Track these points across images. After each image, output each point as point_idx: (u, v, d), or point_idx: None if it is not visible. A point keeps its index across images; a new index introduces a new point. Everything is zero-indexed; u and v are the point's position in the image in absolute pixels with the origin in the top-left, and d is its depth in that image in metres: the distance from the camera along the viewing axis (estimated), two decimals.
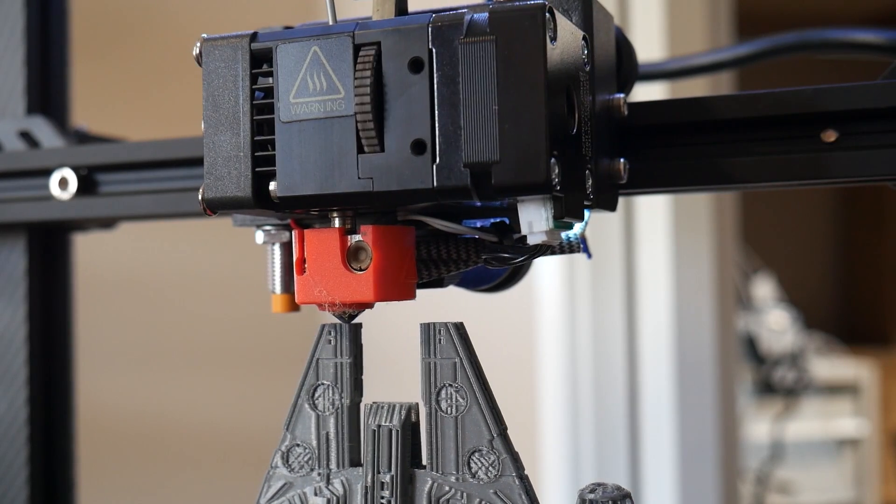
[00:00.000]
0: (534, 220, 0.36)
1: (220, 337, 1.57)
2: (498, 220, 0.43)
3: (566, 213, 0.37)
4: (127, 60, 1.51)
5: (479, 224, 0.43)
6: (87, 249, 0.85)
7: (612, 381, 1.14)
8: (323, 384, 0.42)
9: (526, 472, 0.40)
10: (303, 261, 0.40)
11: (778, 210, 3.43)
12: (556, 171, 0.35)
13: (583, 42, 0.40)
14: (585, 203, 0.40)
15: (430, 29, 0.36)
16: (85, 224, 0.67)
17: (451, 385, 0.40)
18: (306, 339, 0.43)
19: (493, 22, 0.35)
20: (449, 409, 0.40)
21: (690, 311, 1.12)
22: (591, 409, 1.14)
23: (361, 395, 0.43)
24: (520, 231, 0.39)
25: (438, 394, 0.40)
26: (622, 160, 0.44)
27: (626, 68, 0.47)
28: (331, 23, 0.39)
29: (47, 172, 0.61)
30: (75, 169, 0.60)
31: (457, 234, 0.42)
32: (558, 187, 0.35)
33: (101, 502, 1.41)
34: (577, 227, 0.42)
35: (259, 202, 0.39)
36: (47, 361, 0.68)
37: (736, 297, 1.37)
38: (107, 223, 0.66)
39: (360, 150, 0.37)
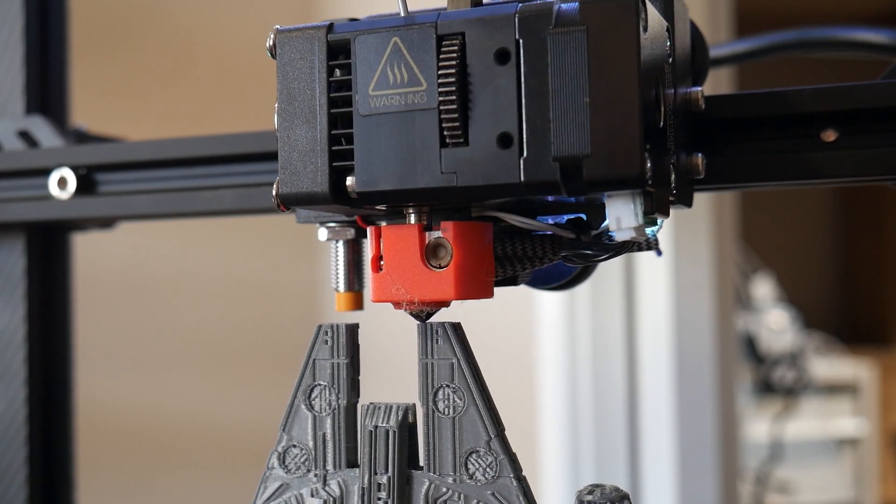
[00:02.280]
0: (622, 215, 0.35)
1: (219, 337, 1.57)
2: (574, 216, 0.41)
3: (656, 208, 0.36)
4: (127, 60, 1.51)
5: (550, 220, 0.41)
6: (86, 249, 0.85)
7: (612, 380, 1.14)
8: (319, 385, 0.42)
9: (524, 473, 0.39)
10: (379, 258, 0.39)
11: (778, 210, 3.42)
12: (649, 164, 0.34)
13: (666, 33, 0.39)
14: (670, 198, 0.39)
15: (517, 19, 0.35)
16: (84, 224, 0.67)
17: (448, 386, 0.40)
18: (306, 339, 0.43)
19: (584, 12, 0.34)
20: (446, 409, 0.40)
21: (690, 311, 1.12)
22: (591, 408, 1.14)
23: (358, 396, 0.42)
24: (597, 227, 0.38)
25: (436, 394, 0.40)
26: (699, 155, 0.43)
27: (700, 61, 0.46)
28: (402, 14, 0.38)
29: (46, 172, 0.61)
30: (74, 168, 0.60)
31: (532, 231, 0.41)
32: (650, 181, 0.34)
33: (100, 502, 1.41)
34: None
35: (336, 198, 0.37)
36: (46, 361, 0.68)
37: (735, 296, 1.37)
38: (106, 223, 0.66)
39: (443, 143, 0.36)
